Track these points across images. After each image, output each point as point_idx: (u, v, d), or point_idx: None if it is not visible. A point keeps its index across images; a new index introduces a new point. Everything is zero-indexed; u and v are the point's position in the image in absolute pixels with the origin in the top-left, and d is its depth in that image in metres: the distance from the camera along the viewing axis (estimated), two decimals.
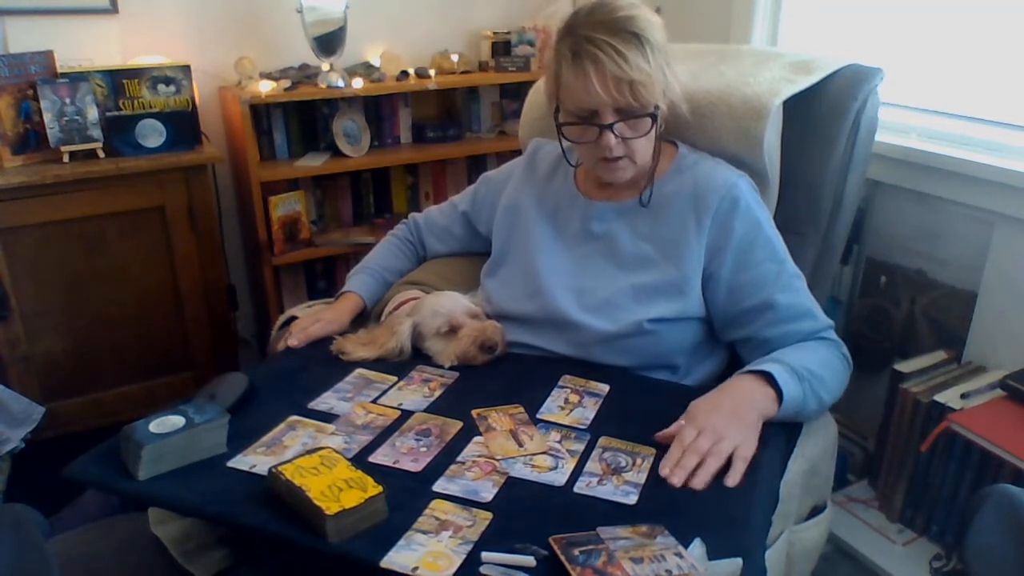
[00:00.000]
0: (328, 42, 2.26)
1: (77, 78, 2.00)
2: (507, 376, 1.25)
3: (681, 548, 0.86)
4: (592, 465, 1.03)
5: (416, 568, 0.83)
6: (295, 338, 1.34)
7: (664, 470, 1.00)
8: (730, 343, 1.31)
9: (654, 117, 1.20)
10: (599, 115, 1.20)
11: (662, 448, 1.06)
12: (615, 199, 1.33)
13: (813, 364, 1.16)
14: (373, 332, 1.34)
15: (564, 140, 1.29)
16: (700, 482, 0.98)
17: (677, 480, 0.98)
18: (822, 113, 1.42)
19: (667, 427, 1.08)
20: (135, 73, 2.11)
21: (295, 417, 1.12)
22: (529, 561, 0.84)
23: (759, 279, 1.22)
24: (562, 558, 0.84)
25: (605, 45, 1.14)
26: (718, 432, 1.03)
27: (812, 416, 1.19)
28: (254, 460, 1.01)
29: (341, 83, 2.26)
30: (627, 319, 1.23)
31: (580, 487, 0.98)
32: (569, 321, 1.27)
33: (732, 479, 1.00)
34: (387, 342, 1.29)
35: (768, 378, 1.11)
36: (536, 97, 1.67)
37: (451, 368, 1.27)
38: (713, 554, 0.87)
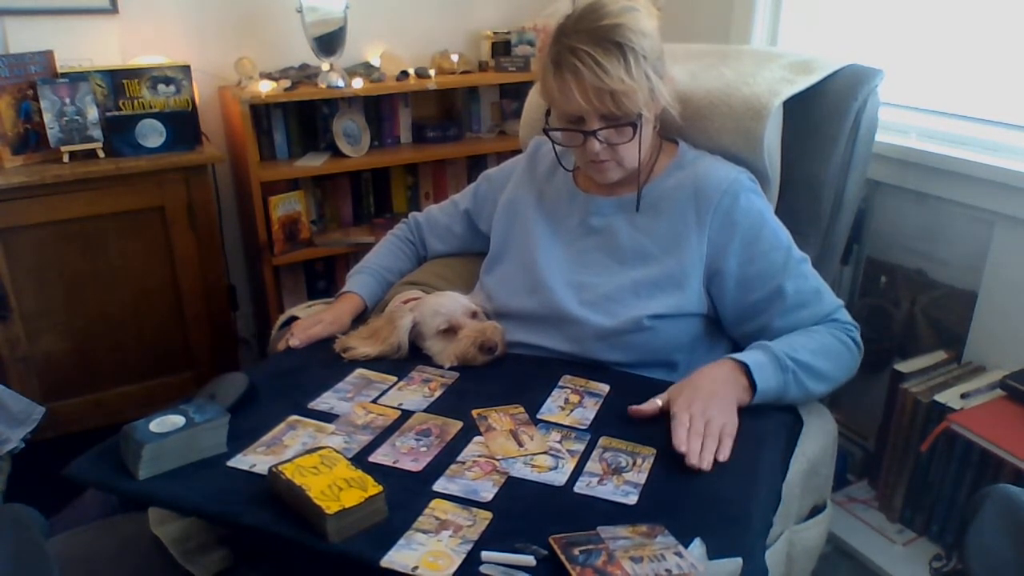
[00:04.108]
0: (328, 42, 2.26)
1: (77, 78, 2.01)
2: (507, 376, 1.25)
3: (681, 548, 0.86)
4: (592, 465, 1.03)
5: (416, 568, 0.83)
6: (297, 339, 1.34)
7: (682, 448, 1.03)
8: (738, 341, 1.31)
9: (635, 125, 1.21)
10: (584, 121, 1.21)
11: (662, 448, 1.06)
12: (614, 194, 1.34)
13: (804, 353, 1.17)
14: (374, 325, 1.34)
15: (555, 144, 1.32)
16: (707, 464, 1.02)
17: (695, 460, 1.01)
18: (822, 113, 1.42)
19: (667, 427, 1.08)
20: (135, 73, 2.11)
21: (295, 417, 1.12)
22: (529, 561, 0.84)
23: (767, 269, 1.23)
24: (562, 558, 0.84)
25: (585, 56, 1.15)
26: (706, 415, 1.07)
27: (800, 403, 1.21)
28: (254, 460, 1.01)
29: (341, 83, 2.26)
30: (626, 315, 1.24)
31: (580, 487, 0.99)
32: (568, 316, 1.27)
33: (723, 454, 1.04)
34: (389, 336, 1.29)
35: (746, 368, 1.13)
36: (536, 97, 1.67)
37: (451, 368, 1.27)
38: (713, 554, 0.87)
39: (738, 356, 1.16)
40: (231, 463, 1.01)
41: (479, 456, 1.04)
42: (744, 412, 1.12)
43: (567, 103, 1.20)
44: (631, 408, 1.12)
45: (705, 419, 1.06)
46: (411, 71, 2.44)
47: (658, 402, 1.12)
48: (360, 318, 1.45)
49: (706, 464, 1.02)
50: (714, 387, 1.12)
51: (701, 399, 1.09)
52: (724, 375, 1.14)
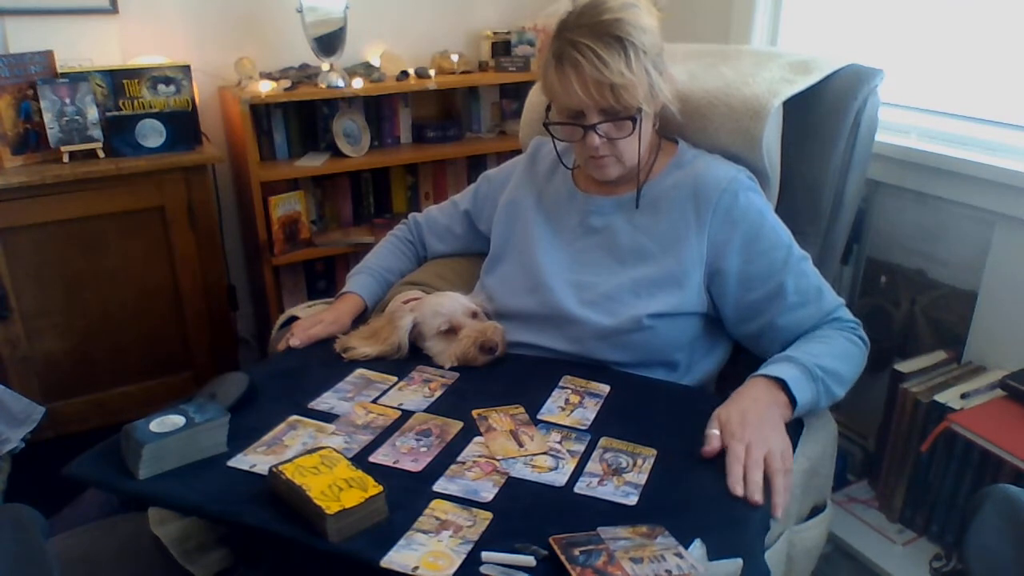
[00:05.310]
0: (328, 42, 2.26)
1: (77, 78, 2.01)
2: (508, 377, 1.25)
3: (681, 548, 0.86)
4: (593, 465, 1.03)
5: (416, 568, 0.83)
6: (297, 339, 1.34)
7: (738, 489, 0.99)
8: (740, 340, 1.31)
9: (635, 120, 1.21)
10: (584, 116, 1.22)
11: (663, 449, 1.06)
12: (614, 193, 1.34)
13: (827, 359, 1.16)
14: (374, 325, 1.34)
15: (555, 140, 1.32)
16: (783, 501, 1.00)
17: (760, 498, 0.98)
18: (822, 113, 1.42)
19: (669, 429, 1.09)
20: (135, 73, 2.11)
21: (295, 417, 1.12)
22: (529, 561, 0.84)
23: (767, 267, 1.23)
24: (562, 558, 0.84)
25: (586, 49, 1.16)
26: (764, 443, 1.03)
27: (824, 409, 1.21)
28: (254, 460, 1.01)
29: (341, 83, 2.26)
30: (626, 314, 1.24)
31: (580, 487, 0.99)
32: (568, 315, 1.27)
33: (781, 499, 1.01)
34: (389, 335, 1.29)
35: (782, 384, 1.12)
36: (536, 97, 1.68)
37: (451, 369, 1.27)
38: (713, 554, 0.87)
39: (770, 372, 1.13)
40: (231, 463, 1.01)
41: (479, 456, 1.04)
42: None
43: (567, 96, 1.21)
44: (704, 451, 1.05)
45: (765, 448, 1.03)
46: (411, 71, 2.44)
47: (716, 432, 1.07)
48: (360, 318, 1.45)
49: (781, 505, 1.00)
50: (759, 409, 1.09)
51: (752, 425, 1.05)
52: (765, 395, 1.11)
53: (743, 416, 1.07)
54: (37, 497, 1.12)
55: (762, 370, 1.15)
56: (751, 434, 1.04)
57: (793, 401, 1.11)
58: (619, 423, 1.12)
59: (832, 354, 1.18)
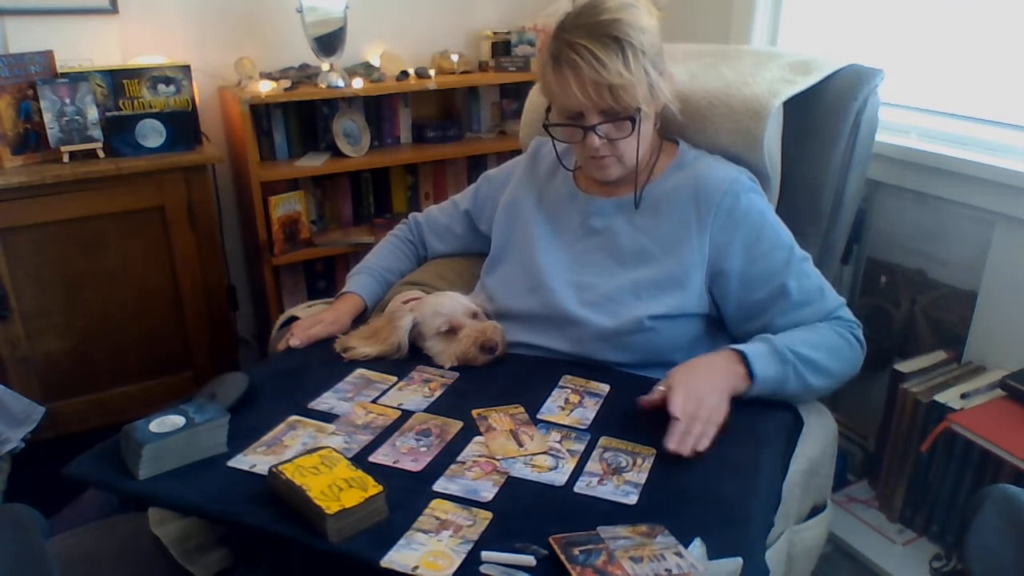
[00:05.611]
0: (328, 42, 2.26)
1: (77, 78, 2.00)
2: (507, 376, 1.25)
3: (681, 548, 0.87)
4: (592, 465, 1.03)
5: (416, 567, 0.83)
6: (297, 339, 1.34)
7: (672, 444, 1.02)
8: (742, 340, 1.31)
9: (633, 120, 1.21)
10: (584, 117, 1.22)
11: (663, 448, 1.06)
12: (615, 195, 1.34)
13: (805, 347, 1.17)
14: (374, 325, 1.34)
15: (555, 141, 1.33)
16: (703, 446, 1.03)
17: (687, 450, 1.02)
18: (822, 113, 1.42)
19: (669, 427, 1.08)
20: (135, 73, 2.11)
21: (295, 417, 1.12)
22: (529, 561, 0.84)
23: (769, 268, 1.24)
24: (562, 557, 0.84)
25: (584, 50, 1.16)
26: (700, 391, 1.08)
27: (801, 397, 1.22)
28: (254, 460, 1.01)
29: (341, 83, 2.26)
30: (627, 315, 1.24)
31: (580, 487, 0.99)
32: (569, 316, 1.27)
33: (703, 444, 1.04)
34: (389, 335, 1.29)
35: (743, 357, 1.14)
36: (536, 97, 1.68)
37: (451, 368, 1.27)
38: (713, 554, 0.87)
39: (737, 346, 1.17)
40: (231, 463, 1.01)
41: (479, 456, 1.04)
42: (744, 412, 1.12)
43: (566, 98, 1.21)
44: (642, 399, 1.11)
45: (698, 396, 1.07)
46: (411, 71, 2.44)
47: (661, 388, 1.11)
48: (360, 318, 1.45)
49: (702, 447, 1.03)
50: (709, 373, 1.13)
51: (695, 383, 1.09)
52: (722, 362, 1.15)
53: (691, 369, 1.12)
54: (37, 497, 1.12)
55: (733, 344, 1.18)
56: (689, 390, 1.07)
57: (751, 375, 1.13)
58: (619, 423, 1.12)
59: (811, 342, 1.19)
